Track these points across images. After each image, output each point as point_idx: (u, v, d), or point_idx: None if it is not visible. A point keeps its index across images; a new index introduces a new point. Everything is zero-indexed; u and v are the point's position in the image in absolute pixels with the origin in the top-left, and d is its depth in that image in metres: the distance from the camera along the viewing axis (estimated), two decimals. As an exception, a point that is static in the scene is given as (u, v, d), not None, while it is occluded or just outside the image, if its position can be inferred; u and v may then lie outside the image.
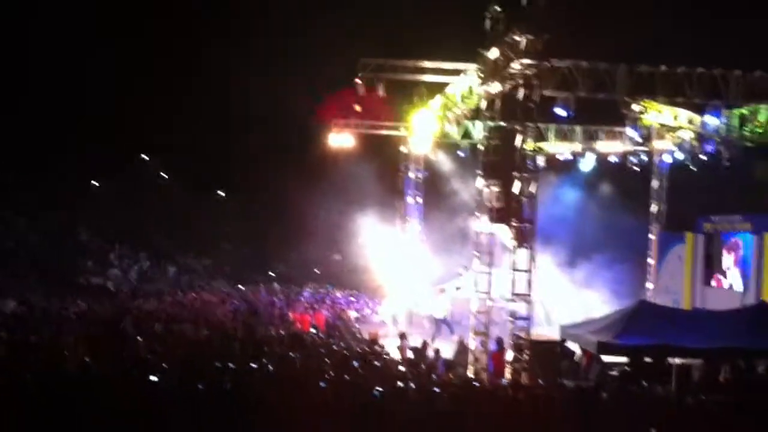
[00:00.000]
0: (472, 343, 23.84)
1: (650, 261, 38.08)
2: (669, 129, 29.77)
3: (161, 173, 61.11)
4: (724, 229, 32.94)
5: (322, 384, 15.43)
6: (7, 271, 40.23)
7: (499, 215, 22.50)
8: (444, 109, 30.10)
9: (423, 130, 33.29)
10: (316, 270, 53.81)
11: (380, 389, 14.99)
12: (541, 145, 33.07)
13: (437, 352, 23.75)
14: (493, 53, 23.20)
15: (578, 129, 35.49)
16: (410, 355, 24.05)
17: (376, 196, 41.84)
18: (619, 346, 20.73)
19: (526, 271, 21.85)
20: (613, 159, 35.81)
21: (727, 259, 32.09)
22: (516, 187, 22.04)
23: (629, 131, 27.43)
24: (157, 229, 54.58)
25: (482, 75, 24.38)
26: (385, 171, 41.75)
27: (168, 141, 54.26)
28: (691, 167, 32.12)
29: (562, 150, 35.69)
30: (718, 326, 21.83)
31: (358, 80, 30.02)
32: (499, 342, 23.50)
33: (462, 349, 24.74)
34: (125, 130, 53.00)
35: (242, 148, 53.52)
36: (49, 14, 49.07)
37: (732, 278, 31.76)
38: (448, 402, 15.10)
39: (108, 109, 51.72)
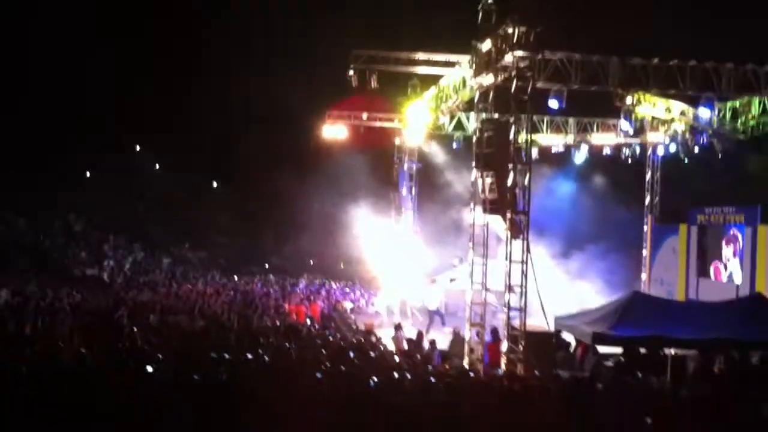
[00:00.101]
0: (468, 334, 23.92)
1: (644, 252, 38.15)
2: (662, 121, 29.85)
3: (155, 165, 61.10)
4: (718, 221, 32.99)
5: (318, 374, 15.45)
6: (0, 262, 40.24)
7: (493, 207, 22.52)
8: (437, 100, 30.13)
9: (416, 122, 33.31)
10: (311, 261, 53.96)
11: (376, 379, 15.05)
12: (535, 137, 33.11)
13: (432, 343, 23.82)
14: (486, 45, 23.27)
15: (572, 121, 35.59)
16: (405, 346, 24.10)
17: (370, 188, 41.88)
18: (614, 337, 20.76)
19: (521, 262, 21.89)
20: (606, 151, 35.92)
21: (727, 251, 32.15)
22: (510, 179, 22.07)
23: (622, 123, 27.41)
24: (152, 220, 54.61)
25: (475, 67, 24.44)
26: (379, 163, 41.78)
27: (162, 133, 54.27)
28: (684, 159, 32.24)
29: (555, 142, 35.77)
30: (712, 317, 21.86)
31: (350, 72, 30.01)
32: (495, 333, 23.56)
33: (457, 339, 24.80)
34: (120, 121, 53.07)
35: (238, 139, 53.53)
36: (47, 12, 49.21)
37: (732, 268, 31.82)
38: (443, 392, 15.13)
39: (103, 102, 51.75)
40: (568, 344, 23.82)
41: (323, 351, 19.78)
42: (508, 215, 22.04)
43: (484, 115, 24.03)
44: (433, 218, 39.23)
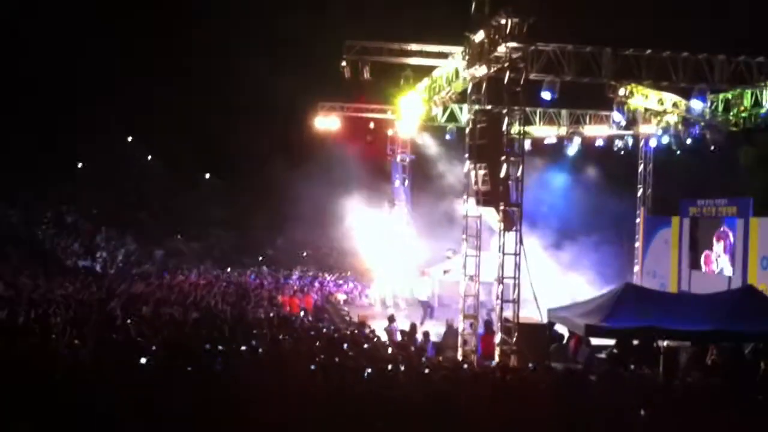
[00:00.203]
0: (461, 325, 23.94)
1: (636, 244, 38.20)
2: (655, 113, 29.84)
3: (148, 156, 60.98)
4: (710, 213, 33.01)
5: (311, 366, 15.46)
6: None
7: (486, 198, 22.52)
8: (430, 92, 30.11)
9: (409, 114, 33.27)
10: (304, 253, 53.96)
11: (370, 371, 15.07)
12: (528, 128, 33.12)
13: (426, 334, 23.84)
14: (479, 36, 23.25)
15: (564, 113, 35.58)
16: (399, 337, 24.13)
17: (363, 180, 41.86)
18: (607, 328, 20.81)
19: (514, 254, 21.90)
20: (599, 143, 35.93)
21: (717, 248, 32.18)
22: (503, 171, 22.07)
23: (615, 115, 27.45)
24: (144, 211, 54.53)
25: (468, 58, 24.43)
26: (372, 154, 41.74)
27: (154, 124, 54.19)
28: (676, 151, 32.26)
29: (548, 134, 35.76)
30: (704, 309, 21.93)
31: (343, 63, 29.93)
32: (488, 325, 23.61)
33: (451, 331, 24.83)
34: (112, 113, 53.01)
35: (230, 131, 53.43)
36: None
37: (723, 264, 31.84)
38: (437, 384, 15.16)
39: (95, 93, 51.66)
40: (561, 336, 23.86)
41: (317, 343, 19.81)
42: (501, 207, 22.04)
43: (477, 107, 24.00)
44: (427, 210, 39.22)
